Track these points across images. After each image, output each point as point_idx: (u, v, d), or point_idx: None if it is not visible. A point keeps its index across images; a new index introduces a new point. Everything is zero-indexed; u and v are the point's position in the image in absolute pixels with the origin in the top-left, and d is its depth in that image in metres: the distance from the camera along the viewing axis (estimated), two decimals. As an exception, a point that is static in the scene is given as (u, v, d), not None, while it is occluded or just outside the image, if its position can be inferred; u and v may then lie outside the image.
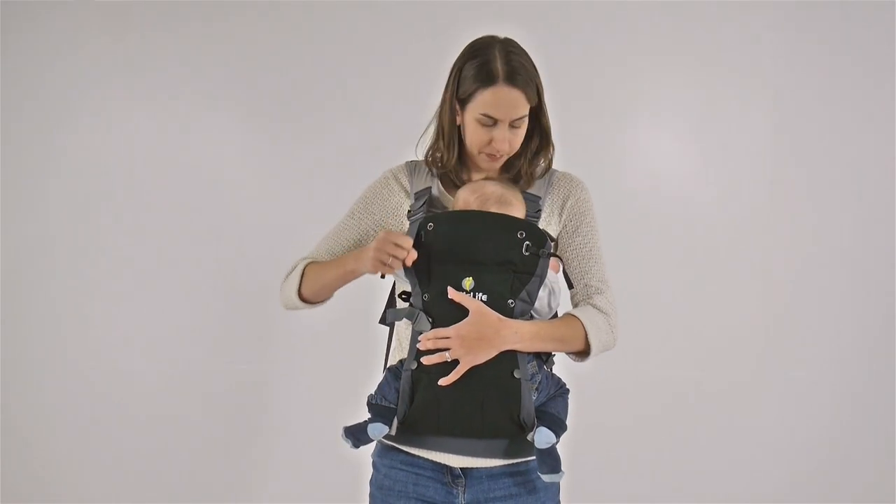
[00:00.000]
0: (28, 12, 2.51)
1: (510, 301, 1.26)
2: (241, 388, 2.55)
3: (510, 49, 1.33)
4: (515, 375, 1.25)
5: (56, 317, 2.55)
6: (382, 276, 1.33)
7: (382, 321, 1.46)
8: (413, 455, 1.35)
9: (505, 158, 1.38)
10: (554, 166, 1.48)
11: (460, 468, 1.33)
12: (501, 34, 1.38)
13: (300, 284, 1.44)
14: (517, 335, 1.25)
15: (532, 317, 1.31)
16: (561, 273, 1.39)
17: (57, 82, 2.53)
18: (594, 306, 1.37)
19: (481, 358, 1.23)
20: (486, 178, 1.41)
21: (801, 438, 2.51)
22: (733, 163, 2.49)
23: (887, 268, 2.48)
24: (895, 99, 2.45)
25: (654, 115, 2.51)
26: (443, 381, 1.23)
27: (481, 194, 1.33)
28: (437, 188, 1.41)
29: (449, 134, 1.38)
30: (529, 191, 1.40)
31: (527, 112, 1.34)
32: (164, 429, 2.55)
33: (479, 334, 1.23)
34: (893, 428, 2.48)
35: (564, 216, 1.42)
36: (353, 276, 1.38)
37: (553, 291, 1.33)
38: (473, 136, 1.35)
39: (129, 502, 2.55)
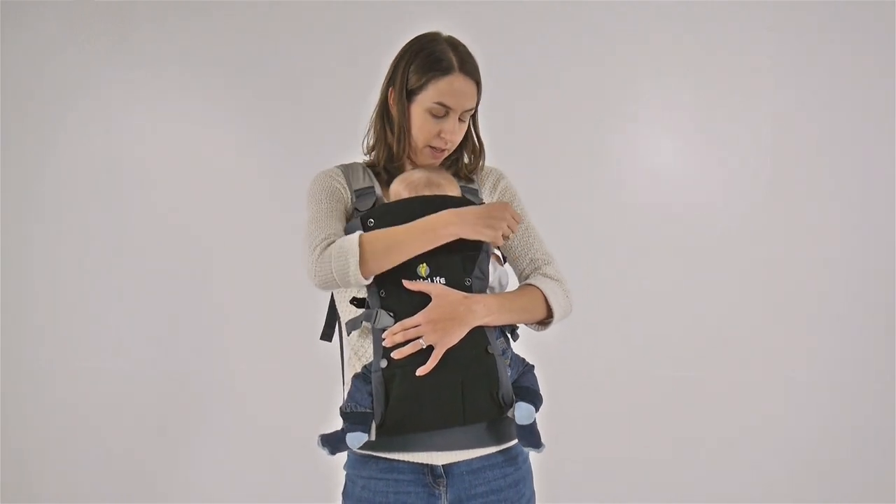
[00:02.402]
0: (28, 12, 2.52)
1: (467, 280, 1.26)
2: (242, 387, 2.56)
3: (458, 43, 1.36)
4: (489, 351, 1.24)
5: (55, 317, 2.56)
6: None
7: (325, 337, 1.43)
8: (391, 460, 1.31)
9: (447, 153, 1.39)
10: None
11: (441, 465, 1.30)
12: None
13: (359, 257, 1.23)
14: (486, 308, 1.25)
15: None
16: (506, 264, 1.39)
17: (56, 82, 2.53)
18: (545, 275, 1.38)
19: (455, 338, 1.22)
20: (412, 169, 1.39)
21: (800, 438, 2.50)
22: (733, 163, 2.49)
23: (887, 267, 2.47)
24: (895, 99, 2.45)
25: (654, 115, 2.51)
26: (421, 371, 1.20)
27: (409, 182, 1.33)
28: (377, 187, 1.39)
29: (399, 125, 1.36)
30: (465, 185, 1.41)
31: (475, 106, 1.35)
32: (162, 430, 2.56)
33: (448, 314, 1.21)
34: (893, 428, 2.48)
35: (496, 200, 1.43)
36: (442, 241, 1.24)
37: (502, 273, 1.35)
38: (422, 127, 1.34)
39: (129, 502, 2.55)
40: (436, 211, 1.26)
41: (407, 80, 1.34)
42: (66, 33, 2.52)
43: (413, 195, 1.31)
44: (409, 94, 1.34)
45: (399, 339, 1.22)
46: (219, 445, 2.57)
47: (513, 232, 1.28)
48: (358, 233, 1.25)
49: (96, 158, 2.55)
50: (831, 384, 2.50)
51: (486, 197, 1.43)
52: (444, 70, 1.31)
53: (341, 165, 1.44)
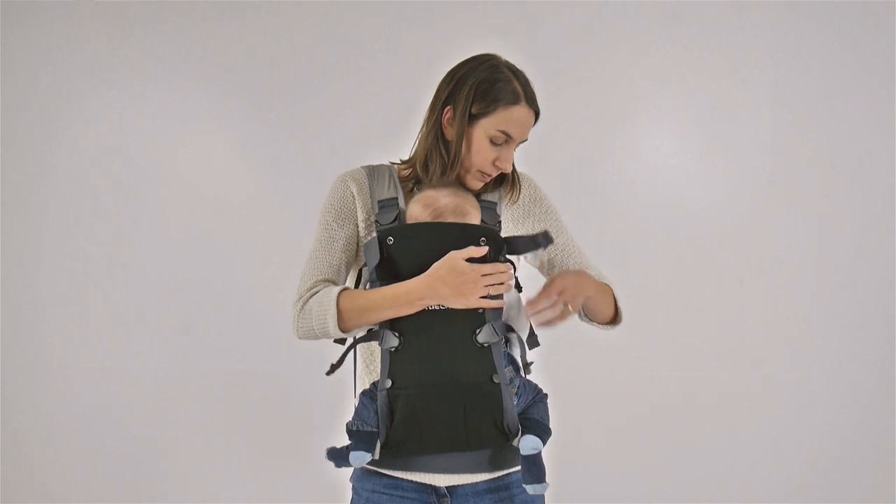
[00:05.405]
0: (28, 12, 2.52)
1: (479, 308, 1.23)
2: (242, 387, 2.55)
3: (519, 71, 1.35)
4: (494, 380, 1.22)
5: (56, 317, 2.56)
6: None
7: (330, 372, 1.35)
8: (396, 478, 1.32)
9: (491, 178, 1.36)
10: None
11: (445, 487, 1.31)
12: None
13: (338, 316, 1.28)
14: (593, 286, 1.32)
15: (510, 327, 1.28)
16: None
17: (56, 82, 2.53)
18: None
19: (581, 298, 1.27)
20: (432, 188, 1.32)
21: (801, 439, 2.50)
22: (733, 163, 2.49)
23: (887, 267, 2.47)
24: (895, 99, 2.45)
25: (654, 115, 2.51)
26: (562, 316, 1.24)
27: (435, 209, 1.27)
28: (402, 199, 1.35)
29: (456, 146, 1.32)
30: (485, 197, 1.37)
31: None
32: (164, 429, 2.55)
33: (573, 281, 1.26)
34: (893, 428, 2.48)
35: (520, 213, 1.41)
36: (414, 311, 1.24)
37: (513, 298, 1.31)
38: (480, 152, 1.32)
39: (130, 502, 2.55)
40: (457, 239, 1.22)
41: (471, 104, 1.31)
42: (66, 33, 2.52)
43: (434, 220, 1.26)
44: (472, 118, 1.31)
45: (550, 313, 1.22)
46: (225, 446, 2.56)
47: (501, 291, 1.23)
48: (337, 290, 1.27)
49: (97, 158, 2.55)
50: (831, 384, 2.50)
51: (504, 210, 1.39)
52: (512, 101, 1.30)
53: (367, 167, 1.41)
